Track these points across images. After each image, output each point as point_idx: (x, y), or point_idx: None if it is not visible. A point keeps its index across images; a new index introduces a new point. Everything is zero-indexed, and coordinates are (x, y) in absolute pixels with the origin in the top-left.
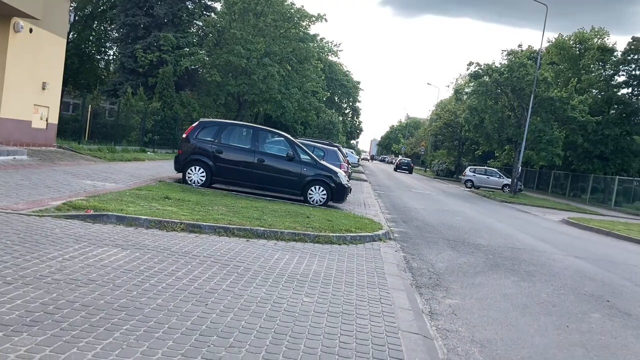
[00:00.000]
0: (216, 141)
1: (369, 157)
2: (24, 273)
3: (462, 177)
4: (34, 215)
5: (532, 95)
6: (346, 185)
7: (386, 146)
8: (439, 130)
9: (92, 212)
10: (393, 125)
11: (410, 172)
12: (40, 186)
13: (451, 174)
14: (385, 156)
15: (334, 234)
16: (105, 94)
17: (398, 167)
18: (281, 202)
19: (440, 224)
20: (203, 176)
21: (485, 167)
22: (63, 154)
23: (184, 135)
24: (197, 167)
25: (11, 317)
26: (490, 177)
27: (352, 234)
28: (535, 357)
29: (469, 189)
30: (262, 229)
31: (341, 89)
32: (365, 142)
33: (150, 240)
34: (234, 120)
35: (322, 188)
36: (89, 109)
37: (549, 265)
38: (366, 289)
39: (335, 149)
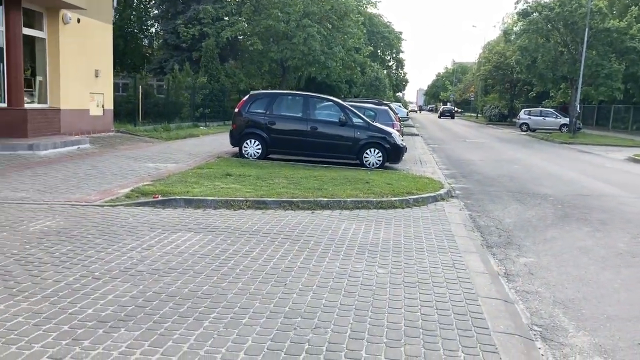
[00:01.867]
0: (268, 113)
1: (416, 108)
2: (109, 267)
3: (517, 120)
4: (107, 206)
5: (587, 29)
6: (401, 145)
7: (433, 95)
8: (488, 73)
9: (160, 198)
10: (439, 73)
11: (452, 118)
12: (107, 174)
13: (504, 118)
14: (432, 105)
15: (396, 198)
16: (152, 72)
17: (442, 115)
18: (337, 168)
19: (500, 175)
20: (259, 149)
21: (541, 108)
22: (122, 138)
23: (236, 110)
24: (252, 140)
25: (107, 314)
26: (547, 118)
27: (414, 196)
28: (623, 314)
29: (524, 133)
30: (325, 199)
31: (383, 41)
32: (411, 93)
33: (220, 221)
34: (279, 86)
35: (377, 150)
36: (140, 90)
37: (621, 211)
38: (438, 254)
39: (386, 108)
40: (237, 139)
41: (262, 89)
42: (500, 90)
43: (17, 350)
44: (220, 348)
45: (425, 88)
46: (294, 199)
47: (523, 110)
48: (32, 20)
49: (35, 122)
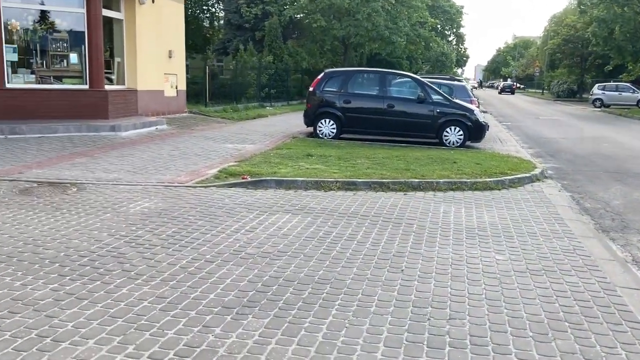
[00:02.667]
0: (343, 91)
1: (476, 85)
2: (218, 249)
3: (590, 96)
4: (200, 187)
5: None
6: (483, 123)
7: (493, 70)
8: (557, 47)
9: (249, 178)
10: (500, 48)
11: (512, 94)
12: (190, 155)
13: (573, 94)
14: (493, 82)
15: (491, 179)
16: (215, 53)
17: (502, 91)
18: (417, 148)
19: (590, 154)
20: (333, 128)
21: (616, 83)
22: (195, 118)
23: (311, 89)
24: (327, 120)
25: (230, 299)
26: (623, 93)
27: (509, 177)
28: None
29: (598, 109)
30: (417, 180)
31: (444, 15)
32: (469, 69)
33: (315, 202)
34: (341, 65)
35: (458, 128)
36: (207, 71)
37: None
38: (554, 240)
39: (464, 83)
40: (311, 119)
41: (328, 68)
42: (569, 64)
43: (151, 337)
44: (356, 339)
45: (484, 64)
46: (384, 180)
47: (597, 85)
48: (109, 1)
49: (115, 103)
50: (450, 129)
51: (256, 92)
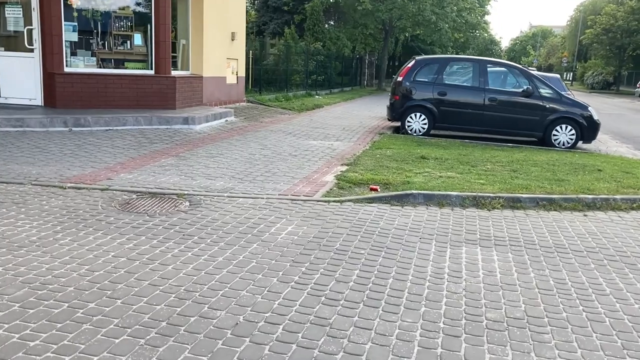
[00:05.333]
0: (437, 82)
1: None
2: (445, 312)
3: (637, 88)
4: (334, 202)
5: None
6: (598, 121)
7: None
8: (594, 37)
9: (379, 189)
10: (516, 37)
11: None
12: (285, 155)
13: (608, 85)
14: None
15: None
16: (251, 36)
17: None
18: (526, 148)
19: None
20: (425, 124)
21: None
22: (257, 109)
23: (399, 79)
24: (418, 114)
25: None
26: None
27: None
28: None
29: None
30: (589, 196)
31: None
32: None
33: (492, 228)
34: (382, 51)
35: (569, 127)
36: (251, 56)
37: None
38: None
39: (557, 76)
40: (399, 113)
41: (369, 54)
42: (606, 55)
43: None
44: None
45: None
46: (553, 196)
47: None
48: None
49: (182, 91)
50: (561, 127)
51: (303, 79)
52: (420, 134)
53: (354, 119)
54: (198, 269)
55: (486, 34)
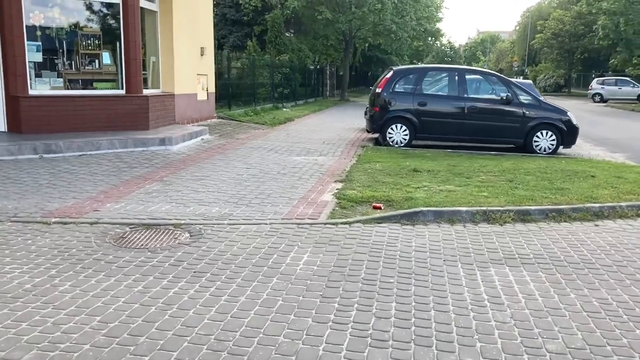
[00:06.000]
0: (417, 92)
1: None
2: (484, 328)
3: (589, 90)
4: (342, 224)
5: None
6: (577, 126)
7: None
8: (544, 42)
9: (382, 208)
10: (465, 44)
11: None
12: (273, 174)
13: (559, 88)
14: None
15: None
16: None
17: None
18: (512, 156)
19: None
20: (406, 135)
21: (616, 78)
22: (229, 125)
23: (378, 90)
24: (399, 125)
25: None
26: (622, 88)
27: None
28: None
29: (599, 104)
30: (596, 205)
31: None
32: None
33: (512, 244)
34: (343, 61)
35: (550, 133)
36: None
37: None
38: None
39: (530, 82)
40: (379, 124)
41: (330, 65)
42: (556, 59)
43: None
44: None
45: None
46: (561, 207)
47: (595, 79)
48: None
49: (155, 110)
50: (542, 133)
51: (270, 92)
52: (402, 145)
53: (329, 132)
54: (222, 312)
55: (444, 41)
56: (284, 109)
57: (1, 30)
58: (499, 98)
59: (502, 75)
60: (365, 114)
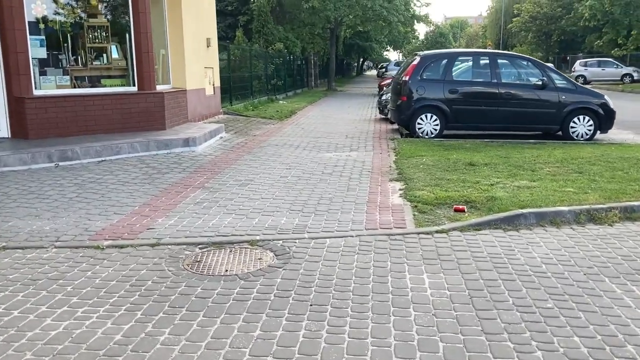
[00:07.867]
0: (447, 79)
1: None
2: None
3: (572, 72)
4: (436, 233)
5: None
6: (614, 110)
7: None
8: (522, 25)
9: (466, 210)
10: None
11: None
12: (318, 174)
13: None
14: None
15: None
16: None
17: None
18: (553, 144)
19: None
20: (437, 125)
21: (598, 59)
22: (238, 120)
23: (405, 78)
24: (429, 115)
25: None
26: (606, 69)
27: None
28: None
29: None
30: None
31: None
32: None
33: None
34: (331, 49)
35: (587, 118)
36: None
37: None
38: None
39: (551, 65)
40: (408, 115)
41: (315, 54)
42: (533, 42)
43: None
44: None
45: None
46: None
47: (578, 61)
48: None
49: (170, 108)
50: (579, 118)
51: (264, 84)
52: (432, 135)
53: (344, 124)
54: None
55: (431, 26)
56: (280, 102)
57: (1, 24)
58: (534, 83)
59: (536, 59)
60: (379, 104)
